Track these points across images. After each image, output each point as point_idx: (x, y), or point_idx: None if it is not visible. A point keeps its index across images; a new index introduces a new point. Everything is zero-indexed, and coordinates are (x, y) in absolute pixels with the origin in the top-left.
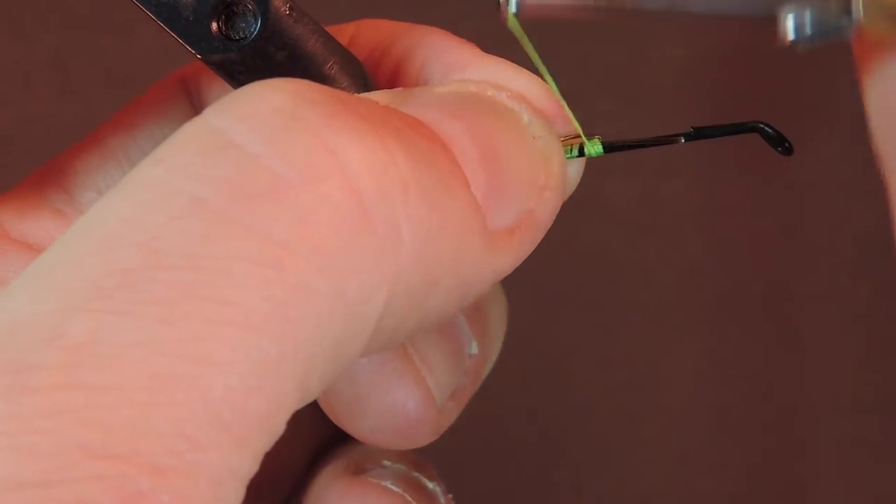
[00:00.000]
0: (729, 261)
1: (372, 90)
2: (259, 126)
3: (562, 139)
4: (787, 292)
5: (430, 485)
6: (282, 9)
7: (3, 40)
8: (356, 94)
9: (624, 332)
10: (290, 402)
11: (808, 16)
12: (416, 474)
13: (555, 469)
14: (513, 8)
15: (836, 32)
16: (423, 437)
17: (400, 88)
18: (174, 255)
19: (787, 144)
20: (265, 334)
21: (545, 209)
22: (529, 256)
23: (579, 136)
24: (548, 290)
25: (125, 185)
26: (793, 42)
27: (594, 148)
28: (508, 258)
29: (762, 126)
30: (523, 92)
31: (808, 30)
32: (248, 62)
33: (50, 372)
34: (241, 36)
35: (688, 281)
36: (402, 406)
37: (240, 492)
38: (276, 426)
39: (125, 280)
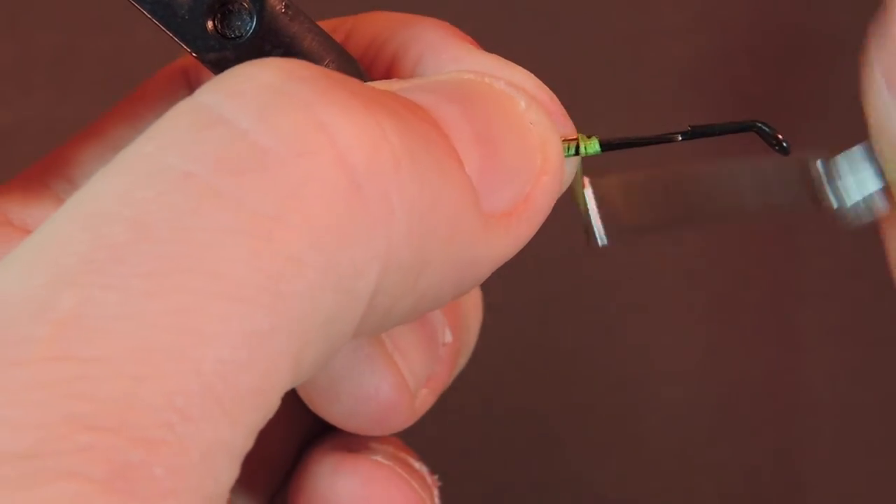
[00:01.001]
0: (729, 261)
1: None
2: (249, 102)
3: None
4: (787, 292)
5: (417, 464)
6: (277, 7)
7: (3, 40)
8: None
9: (624, 332)
10: (284, 380)
11: (844, 186)
12: (402, 454)
13: (555, 468)
14: (602, 241)
15: (872, 199)
16: (398, 422)
17: (395, 79)
18: (163, 229)
19: (783, 144)
20: (256, 307)
21: (543, 194)
22: (531, 256)
23: (575, 137)
24: (548, 291)
25: (116, 163)
26: (838, 211)
27: (591, 147)
28: (506, 242)
29: (759, 125)
30: (519, 82)
31: (847, 199)
32: (244, 61)
33: (38, 345)
34: (237, 34)
35: (688, 281)
36: (376, 391)
37: (234, 468)
38: (269, 403)
39: (114, 254)
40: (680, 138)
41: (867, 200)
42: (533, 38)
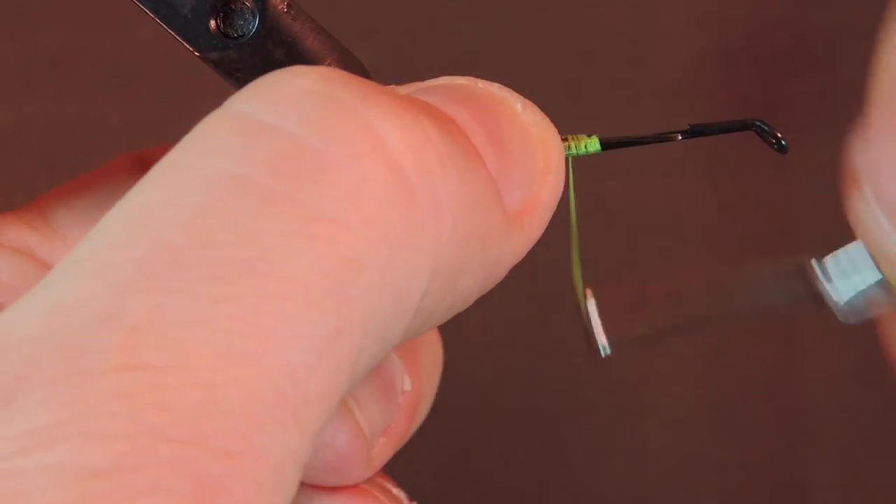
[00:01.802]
0: (729, 261)
1: None
2: (293, 107)
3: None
4: None
5: (395, 490)
6: (280, 6)
7: (3, 40)
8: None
9: None
10: (345, 383)
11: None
12: (380, 479)
13: (555, 469)
14: (604, 352)
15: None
16: (355, 472)
17: (393, 86)
18: (223, 232)
19: (782, 142)
20: (324, 309)
21: (549, 192)
22: (531, 256)
23: (565, 137)
24: (548, 291)
25: (151, 177)
26: (839, 309)
27: (591, 145)
28: (522, 240)
29: (758, 124)
30: None
31: (845, 298)
32: (247, 60)
33: (110, 354)
34: (240, 34)
35: None
36: (331, 440)
37: (298, 478)
38: (331, 408)
39: (175, 258)
40: (679, 137)
41: (867, 297)
42: (533, 37)
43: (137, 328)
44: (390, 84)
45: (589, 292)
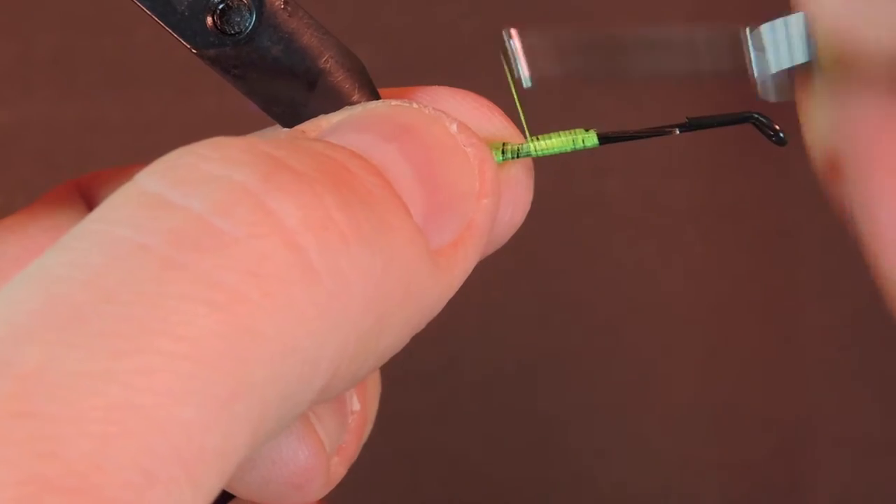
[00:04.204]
0: (729, 261)
1: (371, 84)
2: (197, 190)
3: (504, 143)
4: (787, 292)
5: None
6: (277, 3)
7: (3, 40)
8: (285, 138)
9: (624, 332)
10: (244, 444)
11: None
12: None
13: (555, 468)
14: (527, 84)
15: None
16: (314, 488)
17: (322, 116)
18: (123, 292)
19: (780, 134)
20: (219, 371)
21: (484, 217)
22: (531, 256)
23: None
24: (548, 291)
25: (60, 242)
26: (760, 81)
27: (589, 140)
28: (455, 273)
29: (756, 116)
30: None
31: (769, 69)
32: (244, 57)
33: (1, 400)
34: (237, 30)
35: (688, 281)
36: (294, 455)
37: None
38: (228, 468)
39: (73, 313)
40: (678, 131)
41: (790, 73)
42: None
43: (30, 376)
44: (391, 84)
45: (514, 32)
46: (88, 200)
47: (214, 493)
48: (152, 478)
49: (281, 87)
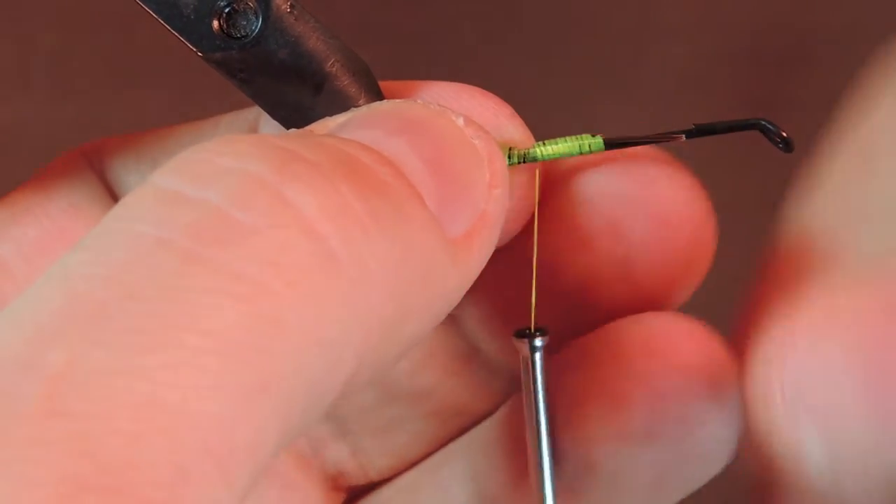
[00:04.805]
0: (729, 260)
1: (377, 87)
2: (213, 183)
3: (511, 148)
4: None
5: None
6: (283, 7)
7: (3, 40)
8: (299, 132)
9: None
10: (274, 439)
11: None
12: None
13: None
14: None
15: None
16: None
17: (327, 118)
18: (145, 288)
19: (787, 141)
20: (245, 364)
21: (496, 207)
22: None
23: (526, 145)
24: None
25: (81, 242)
26: None
27: (595, 145)
28: (471, 263)
29: (763, 123)
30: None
31: None
32: (250, 60)
33: (33, 400)
34: (243, 34)
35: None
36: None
37: None
38: (260, 462)
39: (97, 311)
40: (684, 137)
41: None
42: (534, 37)
43: (60, 376)
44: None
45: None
46: (98, 171)
47: (247, 488)
48: (183, 474)
49: (287, 91)
